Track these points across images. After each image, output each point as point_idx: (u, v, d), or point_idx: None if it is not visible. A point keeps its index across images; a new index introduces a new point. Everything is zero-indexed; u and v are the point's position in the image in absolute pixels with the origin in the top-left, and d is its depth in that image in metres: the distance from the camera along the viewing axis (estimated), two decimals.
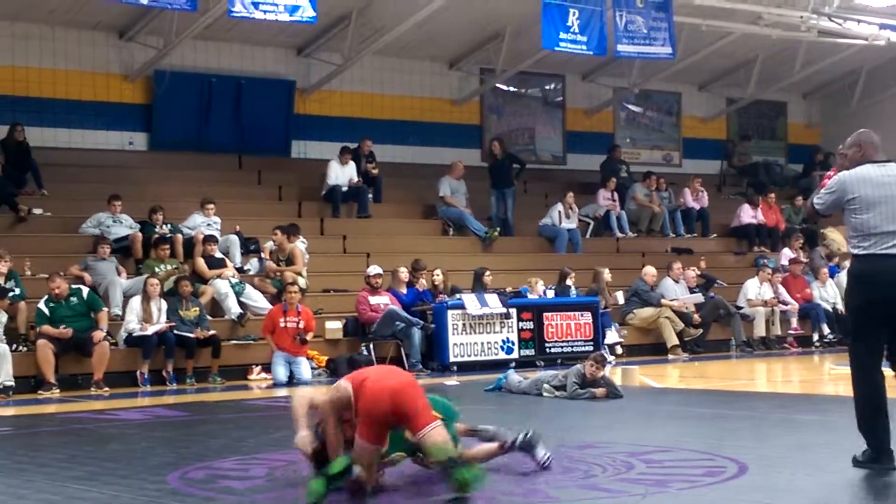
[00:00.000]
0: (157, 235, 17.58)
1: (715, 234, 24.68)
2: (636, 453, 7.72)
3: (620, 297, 20.23)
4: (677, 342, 19.65)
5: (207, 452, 9.04)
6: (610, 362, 16.24)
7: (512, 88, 25.24)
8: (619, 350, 19.03)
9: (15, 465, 8.68)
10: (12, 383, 14.38)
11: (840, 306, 21.88)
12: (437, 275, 18.48)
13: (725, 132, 28.35)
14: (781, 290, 21.57)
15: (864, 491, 6.95)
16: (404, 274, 18.09)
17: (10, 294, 15.33)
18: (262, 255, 18.48)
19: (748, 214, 24.54)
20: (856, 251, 7.49)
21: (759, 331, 20.89)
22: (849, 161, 7.62)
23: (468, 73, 24.22)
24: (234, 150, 21.84)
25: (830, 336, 21.34)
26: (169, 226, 18.05)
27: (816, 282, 22.31)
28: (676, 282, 20.59)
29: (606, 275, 19.81)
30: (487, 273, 18.61)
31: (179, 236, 17.83)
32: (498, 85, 24.66)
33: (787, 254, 23.50)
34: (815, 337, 21.45)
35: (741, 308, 20.98)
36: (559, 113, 25.96)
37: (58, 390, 14.66)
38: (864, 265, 7.45)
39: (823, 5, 22.71)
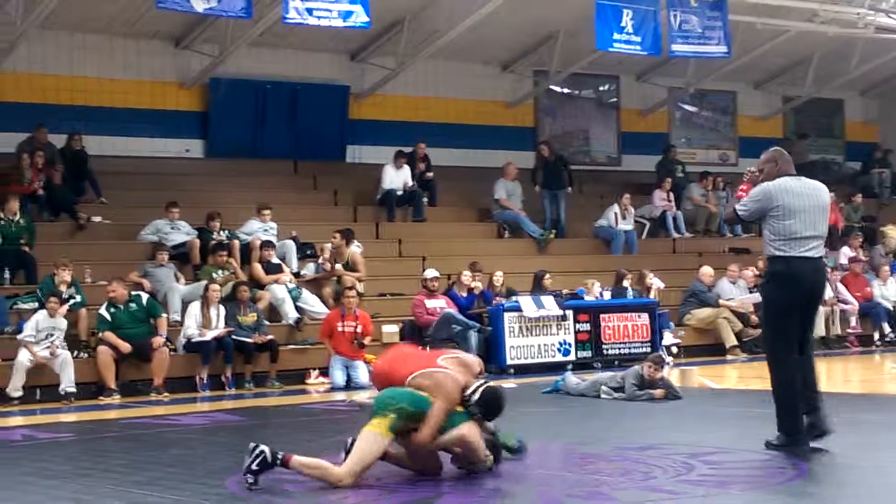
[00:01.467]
0: (214, 242, 17.70)
1: None
2: (696, 454, 7.68)
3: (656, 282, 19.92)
4: (736, 342, 19.52)
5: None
6: (668, 363, 16.15)
7: (566, 90, 25.17)
8: (675, 351, 18.92)
9: (78, 471, 8.77)
10: (74, 389, 14.55)
11: None
12: (498, 277, 18.47)
13: (782, 130, 28.11)
14: (841, 288, 21.36)
15: None
16: (466, 277, 18.09)
17: (72, 301, 15.49)
18: (320, 259, 18.54)
19: None
20: (778, 253, 8.34)
21: (819, 331, 20.64)
22: (765, 175, 8.62)
23: (522, 76, 24.18)
24: (290, 155, 21.95)
25: (892, 335, 21.11)
26: (226, 232, 18.17)
27: (877, 280, 22.08)
28: (734, 282, 20.45)
29: (650, 278, 19.68)
30: (547, 276, 18.57)
31: (236, 242, 17.94)
32: (552, 87, 24.60)
33: (846, 252, 23.26)
34: (876, 336, 21.24)
35: None
36: (614, 114, 25.87)
37: (118, 396, 14.78)
38: (786, 267, 8.33)
39: (880, 1, 22.47)
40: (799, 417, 8.28)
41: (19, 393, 14.38)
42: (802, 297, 8.40)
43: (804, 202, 8.43)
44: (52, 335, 14.72)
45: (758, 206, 8.47)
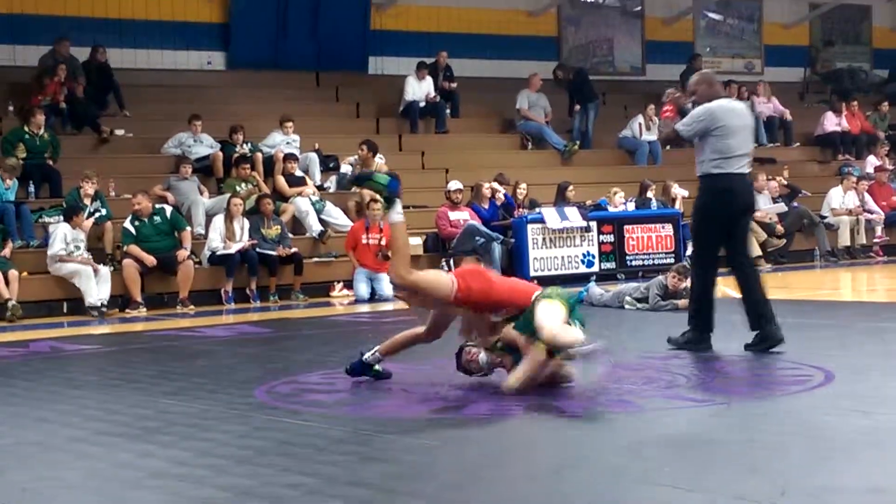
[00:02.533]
0: (237, 154, 17.69)
1: (798, 143, 24.29)
2: (720, 362, 7.70)
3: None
4: (760, 253, 19.44)
5: (293, 367, 9.16)
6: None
7: None
8: None
9: (107, 382, 8.88)
10: (107, 303, 14.67)
11: None
12: (522, 188, 18.43)
13: (808, 38, 27.80)
14: (867, 198, 21.24)
15: None
16: (487, 189, 18.06)
17: (97, 214, 15.56)
18: (344, 169, 18.51)
19: (832, 122, 24.09)
20: (716, 171, 8.91)
21: (844, 240, 20.61)
22: (699, 97, 9.07)
23: None
24: (312, 67, 21.83)
25: None
26: (249, 145, 18.15)
27: None
28: (759, 192, 20.32)
29: (675, 188, 19.60)
30: (571, 188, 18.52)
31: (259, 155, 17.93)
32: None
33: (872, 161, 23.10)
34: None
35: (825, 217, 20.71)
36: (638, 23, 25.59)
37: (144, 309, 14.90)
38: (724, 182, 8.92)
39: None
40: (711, 322, 8.98)
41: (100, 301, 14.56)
42: (737, 210, 9.07)
43: (739, 122, 9.05)
44: (79, 248, 14.83)
45: (702, 125, 8.94)
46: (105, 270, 14.82)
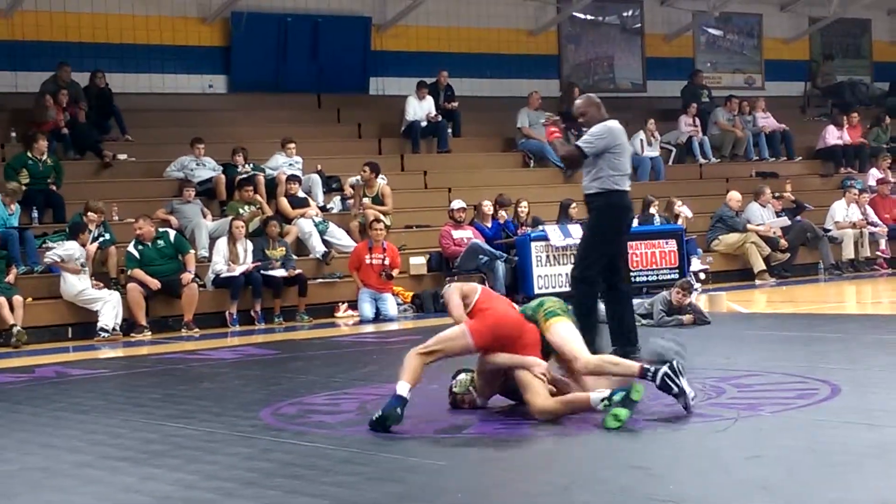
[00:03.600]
0: (240, 177, 17.71)
1: (800, 157, 24.30)
2: (726, 378, 7.68)
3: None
4: (764, 267, 19.46)
5: (298, 389, 9.14)
6: (696, 289, 16.13)
7: (589, 16, 24.93)
8: (703, 277, 18.88)
9: (112, 406, 8.87)
10: (118, 326, 14.71)
11: None
12: (523, 206, 18.45)
13: (808, 52, 27.84)
14: (869, 210, 21.25)
15: None
16: (488, 207, 18.07)
17: (101, 239, 15.58)
18: (344, 192, 18.54)
19: (833, 135, 24.10)
20: (615, 187, 9.37)
21: (848, 253, 20.60)
22: (590, 118, 9.47)
23: (544, 3, 23.96)
24: (313, 89, 21.88)
25: None
26: (251, 166, 18.18)
27: None
28: (763, 206, 20.34)
29: (678, 206, 19.61)
30: (574, 205, 18.53)
31: (261, 177, 17.95)
32: (575, 13, 24.38)
33: (874, 174, 23.10)
34: None
35: (829, 231, 20.70)
36: (638, 39, 25.62)
37: (149, 332, 14.89)
38: (620, 199, 9.44)
39: None
40: (624, 333, 9.42)
41: (114, 325, 14.63)
42: (626, 225, 9.83)
43: (626, 143, 9.69)
44: (84, 264, 14.89)
45: (604, 142, 9.33)
46: (117, 296, 14.82)
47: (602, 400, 6.74)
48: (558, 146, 9.94)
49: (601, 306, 9.57)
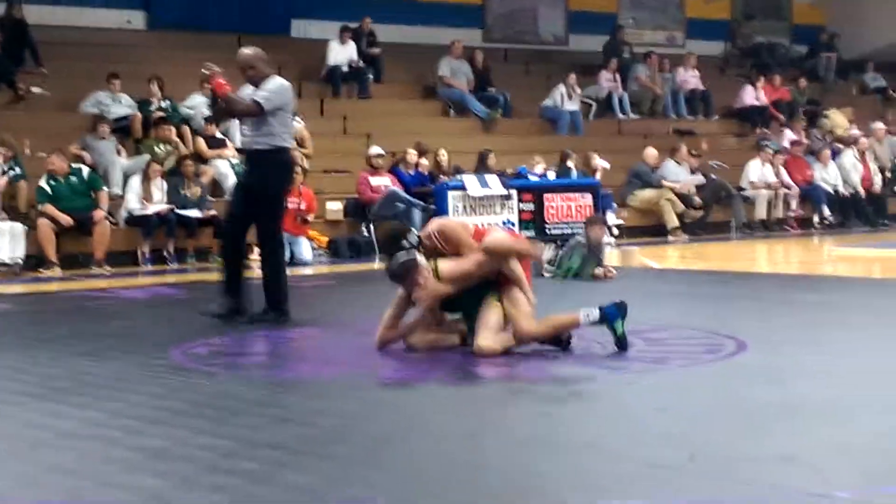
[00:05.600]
0: (156, 115, 17.46)
1: (717, 116, 24.53)
2: (635, 331, 7.75)
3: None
4: (678, 224, 19.66)
5: (209, 330, 9.07)
6: (609, 244, 16.25)
7: None
8: (617, 232, 19.03)
9: (19, 342, 8.74)
10: (21, 261, 14.49)
11: (841, 189, 21.90)
12: (442, 155, 18.42)
13: (730, 12, 28.03)
14: (783, 171, 21.52)
15: (863, 367, 6.97)
16: (412, 156, 18.02)
17: (11, 173, 15.30)
18: None
19: (750, 96, 24.35)
20: (285, 145, 9.35)
21: (761, 213, 20.89)
22: (257, 73, 9.40)
23: None
24: (234, 29, 21.55)
25: (831, 218, 21.37)
26: (168, 102, 17.93)
27: (818, 163, 22.25)
28: (679, 164, 20.51)
29: (596, 159, 19.73)
30: (492, 155, 18.54)
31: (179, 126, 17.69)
32: None
33: (788, 135, 23.39)
34: (816, 219, 21.47)
35: (743, 190, 20.95)
36: None
37: (59, 269, 14.70)
38: (288, 157, 9.56)
39: None
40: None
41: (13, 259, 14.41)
42: (291, 184, 10.42)
43: (288, 98, 9.53)
44: None
45: (281, 99, 9.26)
46: (19, 228, 14.57)
47: (589, 316, 7.29)
48: (234, 101, 9.36)
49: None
